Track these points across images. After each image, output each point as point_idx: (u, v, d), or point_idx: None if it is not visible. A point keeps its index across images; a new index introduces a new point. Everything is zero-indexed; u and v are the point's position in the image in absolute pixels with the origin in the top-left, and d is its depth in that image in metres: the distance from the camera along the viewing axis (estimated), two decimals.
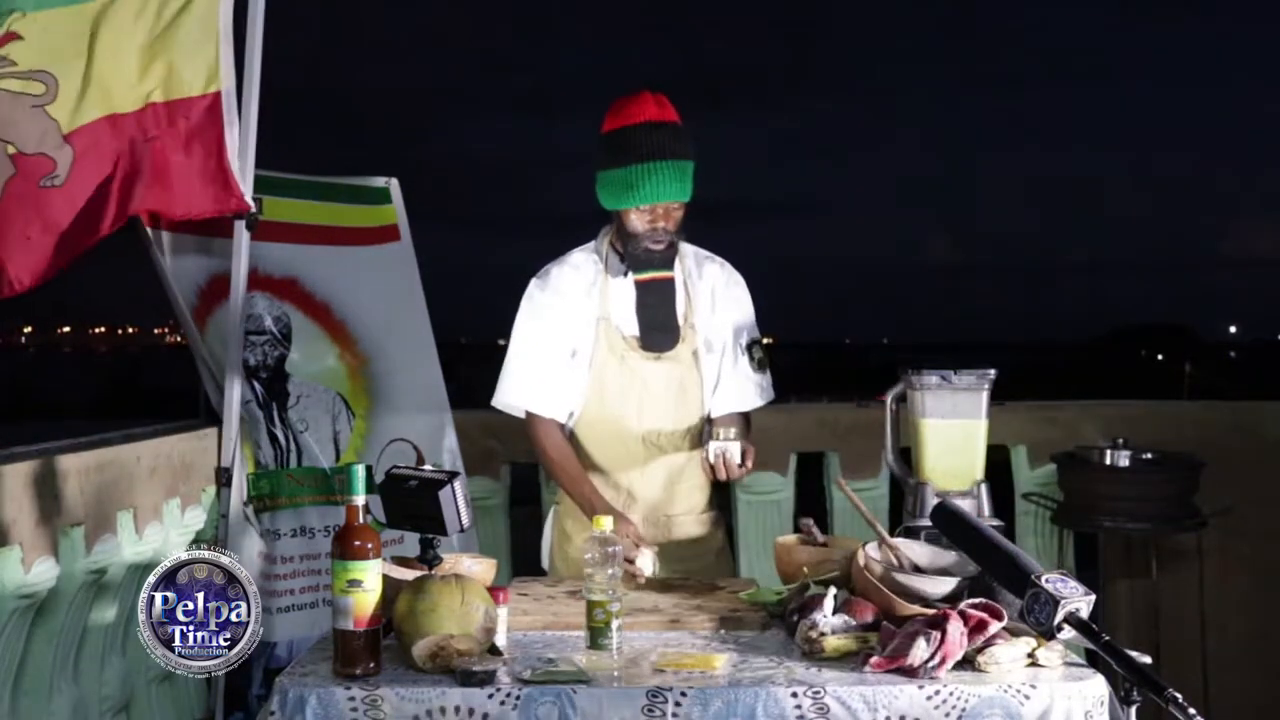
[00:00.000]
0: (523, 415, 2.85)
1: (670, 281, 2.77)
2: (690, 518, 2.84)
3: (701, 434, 2.80)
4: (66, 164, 2.50)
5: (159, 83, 2.67)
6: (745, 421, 2.85)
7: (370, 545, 1.91)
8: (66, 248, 2.50)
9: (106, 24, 2.63)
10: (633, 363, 2.76)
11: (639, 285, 2.76)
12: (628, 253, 2.75)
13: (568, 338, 2.78)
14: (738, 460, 2.59)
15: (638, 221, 2.71)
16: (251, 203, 2.89)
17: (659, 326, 2.76)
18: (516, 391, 2.81)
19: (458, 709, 1.83)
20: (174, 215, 2.77)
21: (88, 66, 2.58)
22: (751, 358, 2.83)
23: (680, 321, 2.79)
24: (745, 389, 2.83)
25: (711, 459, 2.60)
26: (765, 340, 2.95)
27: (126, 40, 2.66)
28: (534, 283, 2.84)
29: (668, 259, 2.76)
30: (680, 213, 2.73)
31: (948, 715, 1.83)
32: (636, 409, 2.77)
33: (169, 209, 2.72)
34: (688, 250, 2.84)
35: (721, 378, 2.83)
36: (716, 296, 2.83)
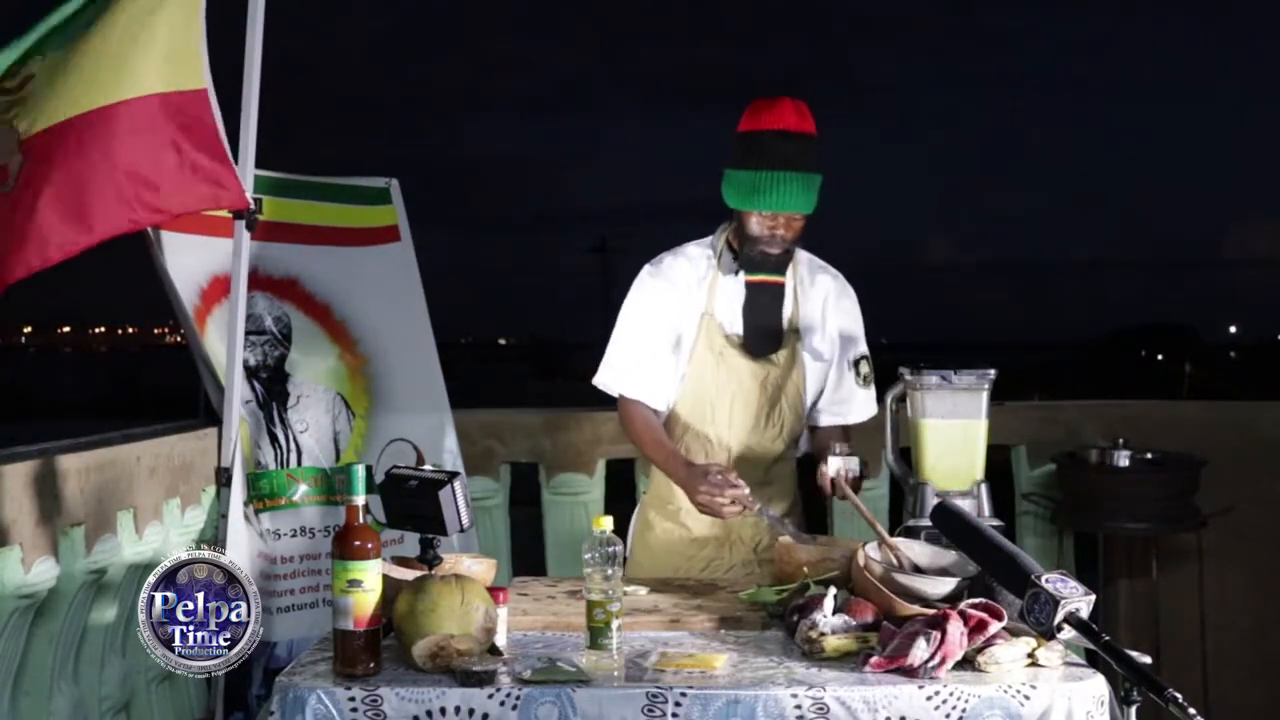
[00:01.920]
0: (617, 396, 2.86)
1: (780, 287, 2.79)
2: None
3: (795, 441, 2.84)
4: (15, 170, 2.47)
5: (139, 77, 2.64)
6: (845, 435, 2.86)
7: (370, 545, 1.91)
8: (21, 257, 2.44)
9: (89, 32, 2.62)
10: (731, 361, 2.77)
11: (749, 286, 2.77)
12: (742, 253, 2.76)
13: (673, 326, 2.79)
14: (858, 472, 2.63)
15: (758, 225, 2.72)
16: (251, 200, 2.89)
17: (763, 330, 2.77)
18: (613, 374, 2.82)
19: (458, 709, 1.83)
20: (170, 213, 2.75)
21: (59, 72, 2.56)
22: (858, 373, 2.86)
23: (785, 326, 2.80)
24: (851, 403, 2.86)
25: (833, 474, 2.61)
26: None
27: (103, 40, 2.63)
28: (647, 269, 2.85)
29: (781, 264, 2.77)
30: (801, 223, 2.74)
31: (948, 715, 1.83)
32: (729, 407, 2.78)
33: (164, 209, 2.69)
34: (802, 257, 2.85)
35: (827, 389, 2.86)
36: (828, 306, 2.85)
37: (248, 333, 3.25)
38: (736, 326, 2.77)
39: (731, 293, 2.79)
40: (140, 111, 2.62)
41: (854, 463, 2.63)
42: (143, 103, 2.62)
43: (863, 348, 2.89)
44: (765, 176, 2.66)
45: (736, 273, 2.79)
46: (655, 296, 2.81)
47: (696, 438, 2.80)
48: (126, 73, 2.61)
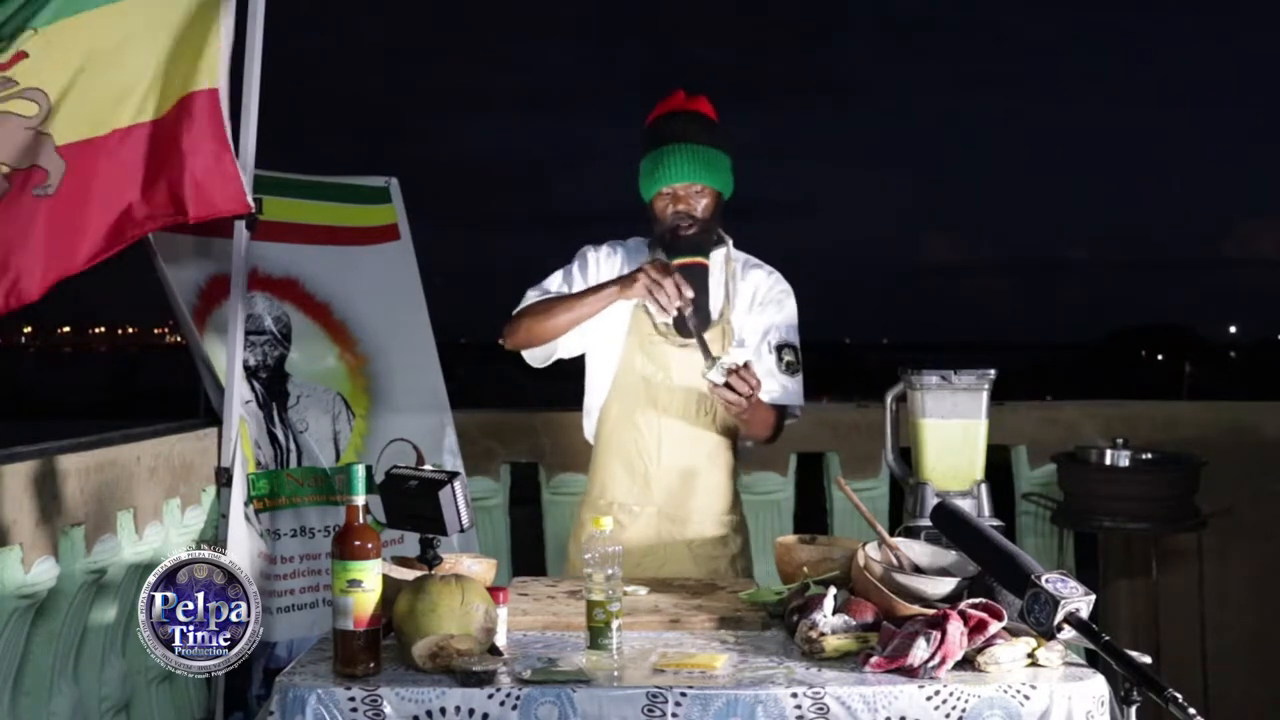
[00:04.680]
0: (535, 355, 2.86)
1: (704, 268, 2.80)
2: (709, 516, 2.83)
3: (729, 429, 2.83)
4: (59, 174, 2.51)
5: (162, 91, 2.66)
6: (780, 414, 2.83)
7: (370, 545, 1.91)
8: (65, 258, 2.50)
9: (111, 28, 2.62)
10: (659, 349, 2.78)
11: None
12: (662, 242, 2.80)
13: (598, 280, 2.81)
14: (741, 361, 2.57)
15: (663, 209, 2.77)
16: (251, 203, 2.89)
17: (693, 309, 2.76)
18: (523, 301, 2.82)
19: (458, 709, 1.82)
20: (179, 221, 2.77)
21: (85, 77, 2.58)
22: (780, 358, 2.83)
23: (716, 316, 2.81)
24: (766, 382, 2.77)
25: (721, 380, 2.54)
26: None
27: (131, 45, 2.64)
28: (588, 246, 2.90)
29: (700, 245, 2.78)
30: (706, 199, 2.77)
31: (948, 715, 1.83)
32: (659, 397, 2.79)
33: (175, 217, 2.71)
34: (738, 256, 2.89)
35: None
36: (757, 298, 2.86)
37: (247, 333, 3.26)
38: (666, 317, 2.75)
39: None
40: (167, 124, 2.64)
41: (734, 357, 2.59)
42: (170, 114, 2.65)
43: (789, 338, 2.86)
44: (656, 154, 2.75)
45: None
46: (589, 258, 2.87)
47: (631, 427, 2.81)
48: (162, 86, 2.64)
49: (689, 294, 2.61)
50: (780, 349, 2.84)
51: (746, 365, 2.57)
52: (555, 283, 2.86)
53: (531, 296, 2.82)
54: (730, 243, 2.88)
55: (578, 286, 2.82)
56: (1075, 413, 4.28)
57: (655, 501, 2.80)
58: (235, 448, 3.05)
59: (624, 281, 2.66)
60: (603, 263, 2.87)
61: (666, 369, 2.78)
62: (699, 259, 2.78)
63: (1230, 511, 3.85)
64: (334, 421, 3.57)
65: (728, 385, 2.54)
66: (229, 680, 3.13)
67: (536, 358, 2.86)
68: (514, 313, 2.82)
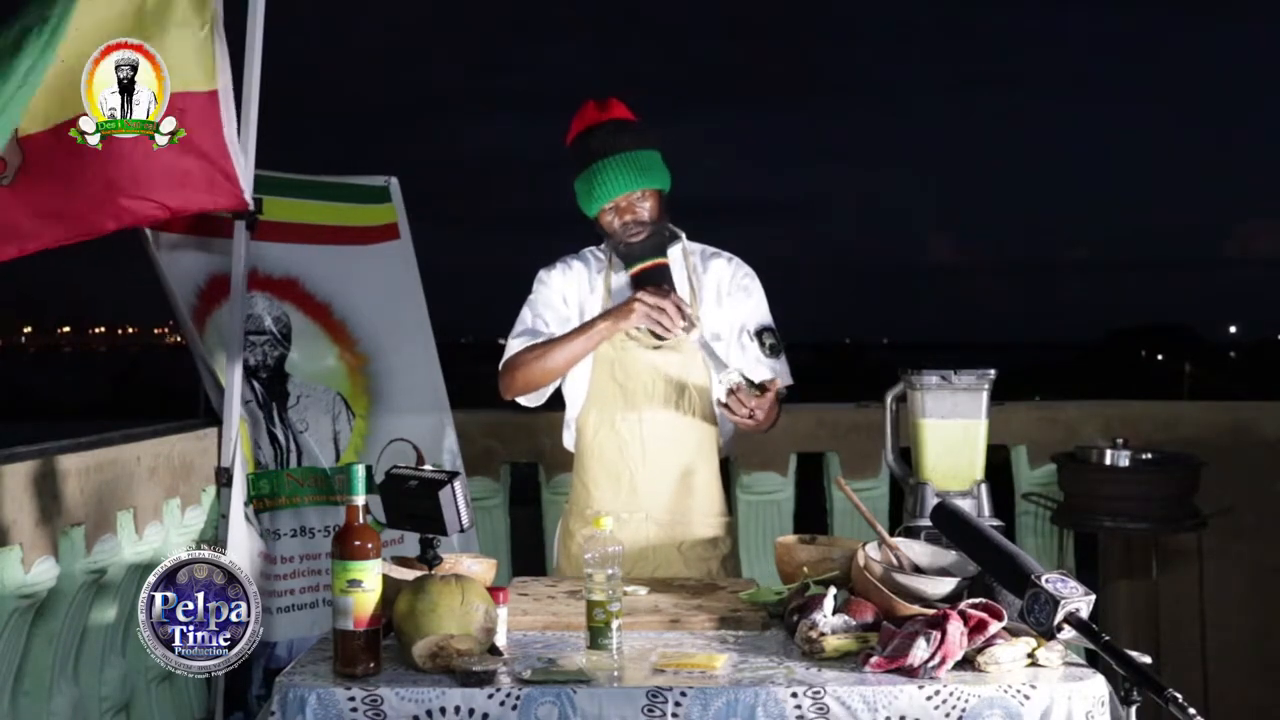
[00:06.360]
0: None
1: (665, 267, 2.78)
2: (699, 518, 2.82)
3: (712, 422, 2.81)
4: (15, 166, 2.49)
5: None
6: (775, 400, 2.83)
7: (370, 545, 1.91)
8: (20, 241, 2.48)
9: (85, 11, 2.61)
10: (633, 353, 2.77)
11: (634, 278, 2.77)
12: (618, 252, 2.79)
13: (564, 310, 2.82)
14: (753, 380, 2.56)
15: (611, 220, 2.76)
16: (251, 201, 2.89)
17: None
18: (517, 341, 2.80)
19: (458, 709, 1.83)
20: (172, 213, 2.76)
21: (59, 58, 2.56)
22: (762, 344, 2.82)
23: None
24: (756, 369, 2.77)
25: (724, 397, 2.56)
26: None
27: (105, 27, 2.63)
28: (542, 270, 2.89)
29: (656, 247, 2.77)
30: (650, 202, 2.75)
31: (948, 715, 1.83)
32: (638, 402, 2.78)
33: (165, 209, 2.70)
34: (694, 248, 2.87)
35: (731, 362, 2.81)
36: (723, 289, 2.84)
37: (248, 333, 3.26)
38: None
39: (624, 290, 2.79)
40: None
41: (734, 375, 2.58)
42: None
43: (765, 321, 2.85)
44: (590, 173, 2.73)
45: (625, 269, 2.80)
46: (551, 284, 2.85)
47: (612, 434, 2.80)
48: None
49: (689, 310, 2.62)
50: (760, 334, 2.83)
51: (751, 387, 2.56)
52: (528, 319, 2.83)
53: (515, 346, 2.79)
54: (684, 236, 2.87)
55: (547, 313, 2.82)
56: (1075, 413, 4.28)
57: (643, 507, 2.79)
58: (235, 448, 3.05)
59: (618, 314, 2.65)
60: (560, 281, 2.85)
61: (641, 374, 2.77)
62: (658, 260, 2.77)
63: (1230, 511, 3.85)
64: (334, 421, 3.57)
65: (726, 406, 2.57)
66: (229, 680, 3.13)
67: (533, 400, 2.85)
68: (503, 364, 2.80)
